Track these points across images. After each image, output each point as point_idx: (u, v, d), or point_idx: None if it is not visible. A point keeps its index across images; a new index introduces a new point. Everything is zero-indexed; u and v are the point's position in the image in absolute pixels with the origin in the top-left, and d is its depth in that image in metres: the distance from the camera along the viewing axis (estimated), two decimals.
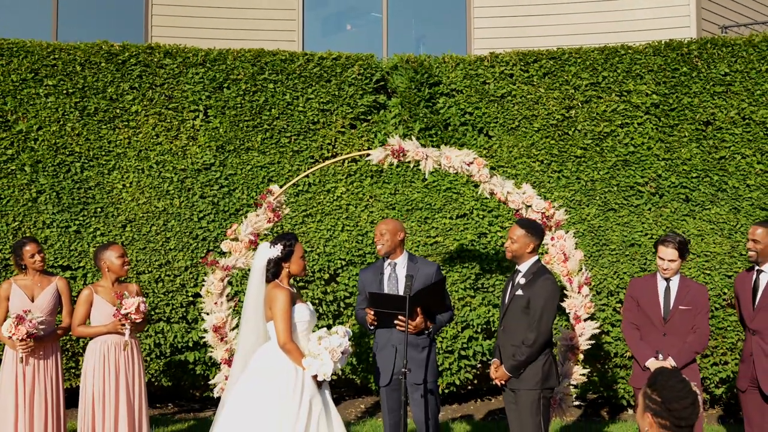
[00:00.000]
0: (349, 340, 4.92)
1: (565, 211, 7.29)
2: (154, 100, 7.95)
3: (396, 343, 5.29)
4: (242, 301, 5.49)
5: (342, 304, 7.88)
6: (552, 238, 5.93)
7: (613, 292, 7.66)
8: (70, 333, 6.04)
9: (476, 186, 6.21)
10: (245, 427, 4.70)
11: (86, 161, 7.82)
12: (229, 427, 4.78)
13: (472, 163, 6.03)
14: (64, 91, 7.84)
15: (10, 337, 5.61)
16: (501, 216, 7.84)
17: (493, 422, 7.69)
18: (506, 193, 6.02)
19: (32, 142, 7.75)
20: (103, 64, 7.91)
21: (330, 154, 8.05)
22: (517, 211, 6.04)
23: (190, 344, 7.81)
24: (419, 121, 8.05)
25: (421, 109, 8.11)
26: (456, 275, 7.72)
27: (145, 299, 5.74)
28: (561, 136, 7.94)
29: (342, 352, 4.81)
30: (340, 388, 8.26)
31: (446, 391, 7.99)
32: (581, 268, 5.91)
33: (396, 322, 5.22)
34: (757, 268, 5.43)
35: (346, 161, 7.99)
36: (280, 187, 6.54)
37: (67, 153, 7.79)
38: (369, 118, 8.21)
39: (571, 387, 5.93)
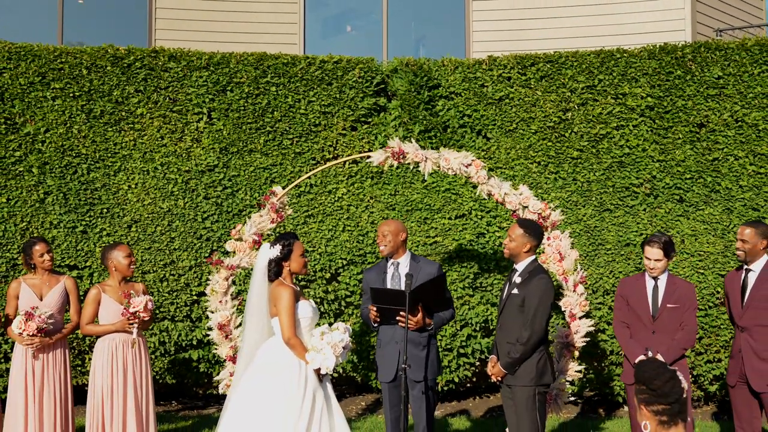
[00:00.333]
0: (350, 337, 5.07)
1: (562, 211, 7.45)
2: (159, 103, 8.09)
3: (399, 340, 5.40)
4: (246, 300, 5.65)
5: (343, 303, 8.02)
6: (548, 238, 6.07)
7: (608, 291, 7.79)
8: (79, 331, 6.18)
9: (475, 187, 6.35)
10: (252, 421, 4.84)
11: (92, 163, 7.96)
12: (237, 421, 4.93)
13: (470, 165, 6.17)
14: (71, 94, 7.99)
15: (20, 334, 5.75)
16: (499, 216, 7.97)
17: (492, 419, 7.82)
18: (504, 194, 6.17)
19: (40, 144, 7.89)
20: (108, 68, 8.05)
21: (331, 156, 8.20)
22: (515, 211, 6.18)
23: (194, 342, 7.95)
24: (419, 124, 8.19)
25: (421, 111, 8.25)
26: (455, 274, 7.86)
27: (151, 298, 5.89)
28: (558, 138, 8.08)
29: (343, 347, 4.95)
30: (341, 386, 8.39)
31: (445, 388, 8.12)
32: (576, 268, 6.05)
33: (398, 318, 5.36)
34: (745, 267, 5.57)
35: (347, 163, 8.13)
36: (283, 188, 6.68)
37: (74, 155, 7.93)
38: (369, 120, 8.35)
39: (567, 383, 6.07)
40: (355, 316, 7.99)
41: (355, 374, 8.23)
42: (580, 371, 6.06)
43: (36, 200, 7.81)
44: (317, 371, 4.93)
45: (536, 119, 8.12)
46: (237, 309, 6.38)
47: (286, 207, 6.54)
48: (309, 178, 7.81)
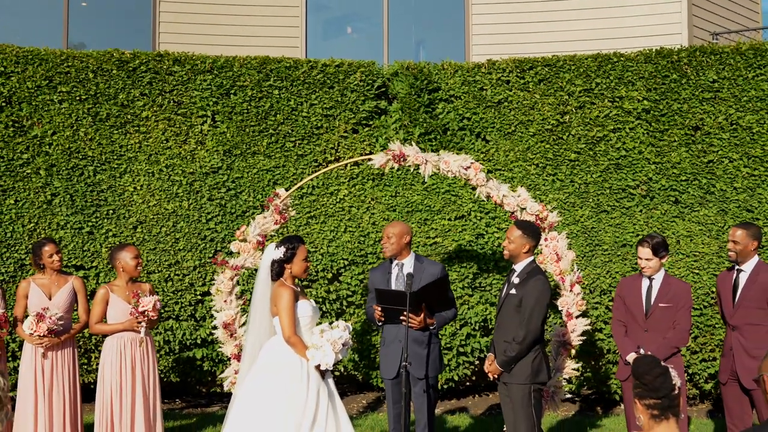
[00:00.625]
0: (351, 337, 5.21)
1: (559, 213, 7.59)
2: (164, 106, 8.23)
3: (402, 338, 5.51)
4: (250, 299, 5.80)
5: (344, 303, 8.15)
6: (545, 239, 6.20)
7: (605, 290, 7.93)
8: (86, 330, 6.32)
9: (474, 189, 6.48)
10: (257, 418, 4.98)
11: (99, 165, 8.10)
12: (242, 418, 5.07)
13: (469, 167, 6.30)
14: (77, 98, 8.13)
15: (31, 334, 5.88)
16: (498, 218, 8.10)
17: (491, 417, 7.94)
18: (502, 196, 6.30)
19: (47, 147, 8.02)
20: (114, 72, 8.19)
21: (333, 158, 8.33)
22: (513, 213, 6.31)
23: (198, 341, 8.08)
24: (419, 126, 8.33)
25: (421, 114, 8.39)
26: (454, 275, 7.99)
27: (159, 297, 6.04)
28: (555, 140, 8.22)
29: (343, 344, 5.09)
30: (342, 384, 8.52)
31: (445, 386, 8.25)
32: (573, 268, 6.19)
33: (401, 318, 5.48)
34: (737, 267, 5.70)
35: (349, 165, 8.26)
36: (286, 190, 6.82)
37: (81, 157, 8.07)
38: (370, 123, 8.48)
39: (564, 381, 6.21)
40: (356, 315, 8.12)
41: (356, 373, 8.36)
42: (576, 369, 6.20)
43: (43, 202, 7.95)
44: (317, 368, 5.06)
45: (534, 122, 8.25)
46: (241, 308, 6.51)
47: (289, 209, 6.67)
48: (311, 180, 7.94)
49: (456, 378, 8.17)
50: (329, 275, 8.11)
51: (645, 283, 5.70)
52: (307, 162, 8.30)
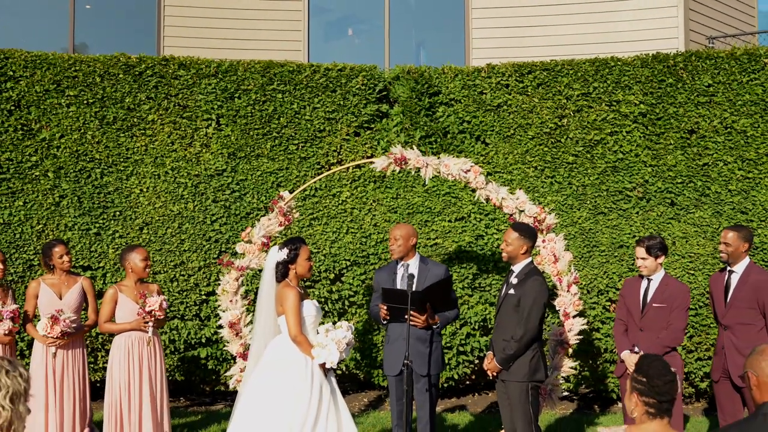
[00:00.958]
0: (353, 335, 5.37)
1: (557, 214, 7.77)
2: (169, 110, 8.38)
3: (408, 336, 5.72)
4: (254, 299, 5.96)
5: (346, 303, 8.29)
6: (543, 241, 6.36)
7: (602, 291, 8.07)
8: (96, 329, 6.47)
9: (474, 191, 6.64)
10: (263, 415, 5.13)
11: (106, 167, 8.25)
12: (249, 415, 5.22)
13: (469, 170, 6.45)
14: (85, 101, 8.27)
15: (45, 336, 6.03)
16: (497, 219, 8.24)
17: (490, 415, 8.07)
18: (501, 198, 6.45)
19: (55, 150, 8.17)
20: (121, 76, 8.34)
21: (335, 161, 8.48)
22: (511, 215, 6.46)
23: (203, 340, 8.23)
24: (420, 129, 8.47)
25: (422, 117, 8.53)
26: (455, 275, 8.12)
27: (165, 298, 6.19)
28: (554, 143, 8.36)
29: (346, 344, 5.26)
30: (344, 383, 8.65)
31: (445, 385, 8.39)
32: (570, 269, 6.34)
33: (406, 316, 5.61)
34: (729, 268, 5.86)
35: (351, 167, 8.41)
36: (290, 192, 6.98)
37: (88, 160, 8.22)
38: (372, 126, 8.63)
39: (561, 379, 6.36)
40: (358, 315, 8.26)
41: (358, 371, 8.50)
42: (573, 367, 6.35)
43: (51, 203, 8.10)
44: (322, 366, 5.21)
45: (533, 125, 8.40)
46: (246, 308, 6.66)
47: (293, 211, 6.82)
48: (314, 182, 8.08)
49: (456, 376, 8.32)
50: (332, 276, 8.26)
51: (644, 283, 5.85)
52: (310, 165, 8.45)
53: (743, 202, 7.88)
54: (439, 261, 8.06)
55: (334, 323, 5.43)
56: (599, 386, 8.30)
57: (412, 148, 6.68)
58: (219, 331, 7.80)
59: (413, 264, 6.00)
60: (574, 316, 6.27)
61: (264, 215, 7.39)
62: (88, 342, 7.98)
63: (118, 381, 5.98)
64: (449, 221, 8.34)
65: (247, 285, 7.79)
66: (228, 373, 6.78)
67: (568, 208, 8.23)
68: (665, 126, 8.14)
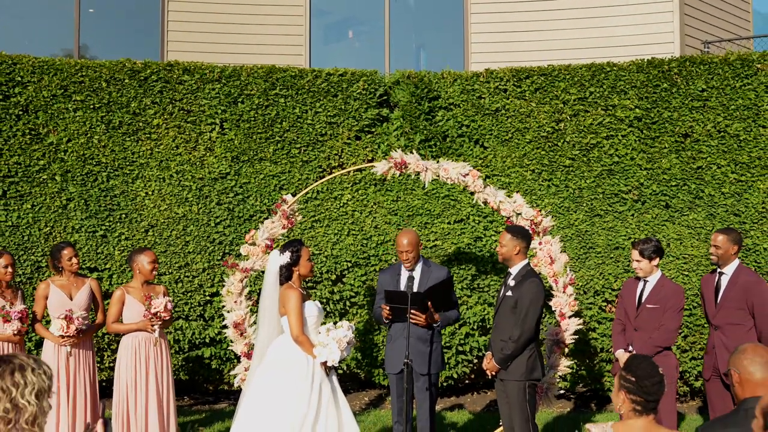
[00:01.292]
0: (353, 335, 5.54)
1: (554, 217, 7.93)
2: (174, 114, 8.54)
3: (408, 336, 5.86)
4: (257, 300, 6.12)
5: (348, 303, 8.45)
6: (540, 243, 6.52)
7: (598, 291, 8.23)
8: (104, 329, 6.63)
9: (472, 194, 6.80)
10: (266, 412, 5.30)
11: (112, 171, 8.41)
12: (252, 412, 5.38)
13: (467, 174, 6.62)
14: (91, 106, 8.43)
15: (61, 336, 6.18)
16: (495, 221, 8.40)
17: (489, 413, 8.22)
18: (498, 201, 6.62)
19: (62, 154, 8.33)
20: (126, 81, 8.50)
21: (336, 164, 8.64)
22: (509, 218, 6.62)
23: (207, 340, 8.38)
24: (419, 133, 8.63)
25: (421, 121, 8.69)
26: (454, 276, 8.25)
27: (171, 299, 6.34)
28: (551, 147, 8.52)
29: (347, 343, 5.42)
30: (345, 382, 8.79)
31: (445, 384, 8.54)
32: (566, 270, 6.50)
33: (408, 316, 5.77)
34: (719, 270, 6.03)
35: (352, 171, 8.57)
36: (293, 195, 7.14)
37: (94, 163, 8.38)
38: (373, 130, 8.79)
39: (558, 378, 6.52)
40: (359, 315, 8.42)
41: (359, 371, 8.66)
42: (570, 366, 6.52)
43: (59, 206, 8.26)
44: (324, 364, 5.37)
45: (531, 129, 8.55)
46: (250, 309, 6.82)
47: (296, 213, 6.98)
48: (317, 186, 8.24)
49: (455, 376, 8.47)
50: (333, 277, 8.41)
51: (640, 284, 6.02)
52: (311, 168, 8.61)
53: (736, 205, 8.04)
54: (438, 262, 8.22)
55: (335, 323, 5.59)
56: (596, 385, 8.45)
57: (412, 151, 6.85)
58: (222, 331, 7.97)
59: (417, 266, 6.18)
60: (569, 317, 6.43)
61: (267, 218, 7.55)
62: (94, 342, 8.13)
63: (125, 380, 6.12)
64: (448, 223, 8.49)
65: (251, 286, 7.95)
66: (232, 372, 6.94)
67: (564, 210, 8.38)
68: (660, 130, 8.29)
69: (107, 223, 8.32)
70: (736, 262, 5.97)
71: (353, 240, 8.47)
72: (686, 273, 8.05)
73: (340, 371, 8.35)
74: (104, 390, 7.44)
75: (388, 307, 5.91)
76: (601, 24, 10.91)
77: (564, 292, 6.43)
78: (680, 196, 8.18)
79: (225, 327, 6.93)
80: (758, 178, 8.00)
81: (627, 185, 8.29)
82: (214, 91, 8.57)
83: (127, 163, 8.43)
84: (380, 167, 6.76)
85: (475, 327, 8.35)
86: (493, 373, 5.76)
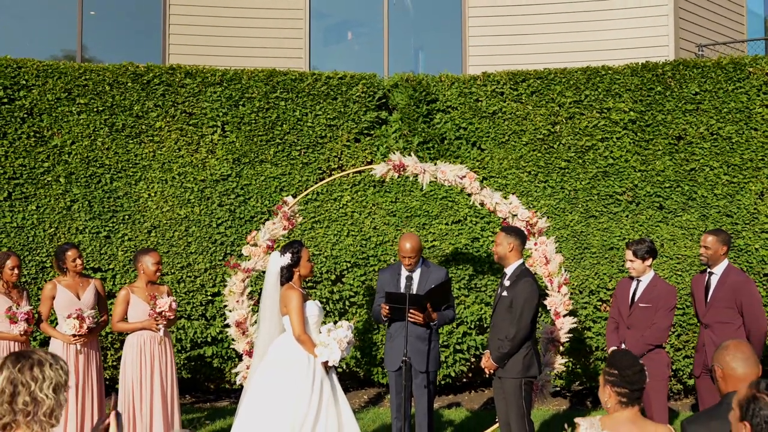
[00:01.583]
0: (353, 334, 5.69)
1: (550, 218, 8.07)
2: (176, 117, 8.67)
3: (407, 334, 5.99)
4: (257, 299, 6.26)
5: (347, 303, 8.58)
6: (535, 244, 6.67)
7: (593, 291, 8.37)
8: (109, 328, 6.75)
9: (470, 196, 6.95)
10: (267, 410, 5.43)
11: (115, 173, 8.54)
12: (254, 409, 5.52)
13: (464, 177, 6.76)
14: (95, 109, 8.57)
15: (74, 335, 6.30)
16: (492, 222, 8.53)
17: (485, 411, 8.36)
18: (495, 203, 6.76)
19: (66, 156, 8.47)
20: (129, 84, 8.63)
21: (336, 166, 8.78)
22: (505, 219, 6.77)
23: (209, 339, 8.51)
24: (418, 136, 8.77)
25: (420, 124, 8.83)
26: (451, 276, 8.41)
27: (175, 298, 6.48)
28: (547, 149, 8.66)
29: (347, 343, 5.57)
30: (345, 381, 8.90)
31: (442, 382, 8.67)
32: (561, 270, 6.65)
33: (408, 315, 5.93)
34: (708, 270, 6.18)
35: (351, 173, 8.70)
36: (293, 197, 7.28)
37: (98, 165, 8.52)
38: (372, 132, 8.92)
39: (554, 375, 6.67)
40: (358, 315, 8.55)
41: (358, 369, 8.79)
42: (564, 364, 6.66)
43: (63, 208, 8.39)
44: (324, 363, 5.52)
45: (527, 132, 8.69)
46: (252, 308, 6.96)
47: (297, 215, 7.13)
48: (318, 187, 8.37)
49: (453, 374, 8.61)
50: (332, 277, 8.55)
51: (634, 284, 6.17)
52: (312, 170, 8.74)
53: (728, 206, 8.18)
54: (436, 263, 8.36)
55: (335, 323, 5.73)
56: (591, 383, 8.58)
57: (410, 154, 6.99)
58: (224, 330, 8.12)
59: (416, 267, 6.32)
60: (564, 315, 6.58)
61: (268, 219, 7.68)
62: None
63: (131, 378, 6.25)
64: (446, 224, 8.63)
65: (252, 286, 8.09)
66: (234, 371, 7.08)
67: (560, 211, 8.52)
68: (654, 132, 8.43)
69: (111, 224, 8.45)
70: (725, 263, 6.12)
71: (352, 241, 8.60)
72: (679, 273, 8.19)
73: (340, 370, 8.48)
74: (108, 388, 7.56)
75: (387, 307, 6.06)
76: (596, 28, 11.05)
77: (559, 291, 6.57)
78: (674, 198, 8.31)
79: (227, 326, 7.07)
80: (750, 179, 8.14)
81: (621, 187, 8.42)
82: (216, 94, 8.71)
83: (130, 165, 8.56)
84: (379, 170, 6.89)
85: (472, 326, 8.48)
86: (492, 371, 5.90)
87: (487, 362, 5.89)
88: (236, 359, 8.37)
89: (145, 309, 6.35)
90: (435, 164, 6.85)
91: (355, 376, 8.98)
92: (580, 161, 8.55)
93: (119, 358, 8.09)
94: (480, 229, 8.58)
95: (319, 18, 11.94)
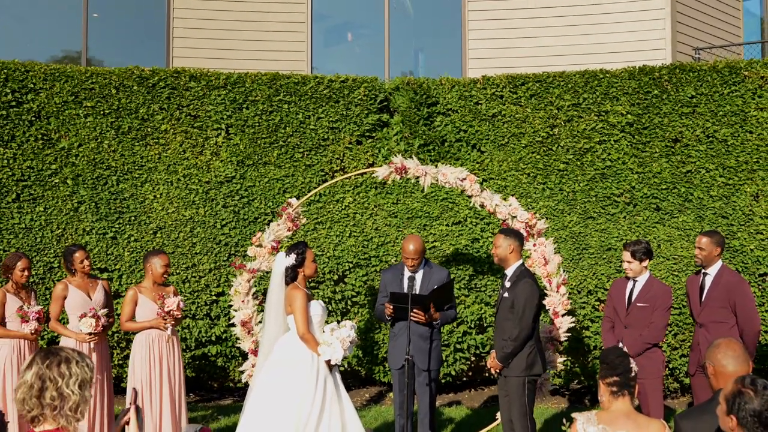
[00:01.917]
0: (355, 333, 5.83)
1: (548, 219, 8.21)
2: (181, 120, 8.81)
3: (410, 333, 6.12)
4: (262, 299, 6.40)
5: (349, 303, 8.71)
6: (534, 245, 6.81)
7: (591, 291, 8.51)
8: (115, 327, 6.89)
9: (470, 197, 7.08)
10: (272, 408, 5.57)
11: (121, 175, 8.68)
12: (260, 406, 5.65)
13: (465, 179, 6.90)
14: (101, 112, 8.71)
15: (89, 333, 6.44)
16: (492, 223, 8.67)
17: (485, 409, 8.49)
18: (495, 205, 6.90)
19: (73, 158, 8.60)
20: (135, 87, 8.77)
21: (338, 168, 8.91)
22: (504, 221, 6.91)
23: (213, 338, 8.65)
24: (419, 138, 8.91)
25: (421, 126, 8.97)
26: (452, 276, 8.54)
27: (182, 298, 6.62)
28: (546, 151, 8.80)
29: (350, 342, 5.71)
30: (347, 379, 9.02)
31: (443, 381, 8.79)
32: (559, 271, 6.79)
33: (411, 314, 6.07)
34: (703, 271, 6.33)
35: (354, 176, 8.84)
36: (297, 198, 7.42)
37: (105, 168, 8.66)
38: (373, 135, 9.06)
39: (552, 374, 6.82)
40: (360, 314, 8.69)
41: (359, 368, 8.93)
42: (563, 363, 6.81)
43: (70, 209, 8.53)
44: (328, 362, 5.66)
45: (526, 134, 8.83)
46: (257, 308, 7.10)
47: (301, 216, 7.27)
48: (321, 189, 8.50)
49: (453, 373, 8.75)
50: (335, 277, 8.68)
51: (630, 284, 6.31)
52: (314, 172, 8.88)
53: (724, 207, 8.32)
54: (437, 263, 8.49)
55: (338, 322, 5.87)
56: (589, 381, 8.71)
57: (411, 156, 7.14)
58: (228, 329, 8.26)
59: (419, 267, 6.46)
60: (563, 315, 6.72)
61: (271, 220, 7.82)
62: None
63: (140, 376, 6.37)
64: (447, 225, 8.76)
65: (256, 286, 8.22)
66: (240, 369, 7.22)
67: (559, 212, 8.66)
68: (651, 135, 8.57)
69: (117, 225, 8.58)
70: (719, 263, 6.26)
71: (354, 241, 8.73)
72: (676, 273, 8.33)
73: (342, 369, 8.61)
74: (115, 386, 7.69)
75: (391, 306, 6.21)
76: (594, 31, 11.18)
77: (557, 291, 6.71)
78: (670, 199, 8.45)
79: (231, 325, 7.20)
80: (745, 181, 8.28)
81: (619, 188, 8.56)
82: (220, 97, 8.84)
83: (136, 167, 8.70)
84: (382, 172, 7.03)
85: (472, 326, 8.61)
86: (497, 371, 6.04)
87: (492, 362, 6.03)
88: (240, 358, 8.51)
89: (153, 308, 6.47)
90: (436, 167, 6.99)
91: (356, 375, 9.11)
92: (579, 163, 8.69)
93: (124, 357, 8.28)
94: (480, 230, 8.71)
95: (320, 19, 12.06)
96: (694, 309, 6.36)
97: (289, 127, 8.90)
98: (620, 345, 6.06)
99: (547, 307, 6.77)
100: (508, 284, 5.98)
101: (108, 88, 8.72)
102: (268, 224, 7.77)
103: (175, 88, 8.83)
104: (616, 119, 8.63)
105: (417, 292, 6.25)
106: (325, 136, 8.94)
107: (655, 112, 8.57)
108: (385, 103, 9.15)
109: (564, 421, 4.71)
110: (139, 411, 2.99)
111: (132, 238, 8.58)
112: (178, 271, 8.59)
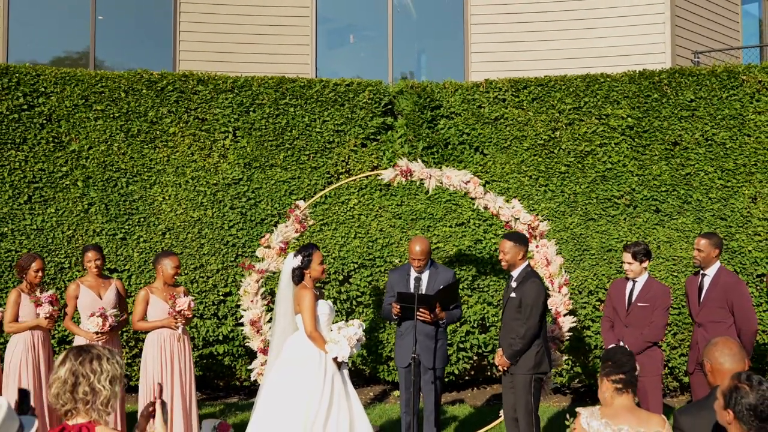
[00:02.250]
0: (363, 332, 5.97)
1: (550, 220, 8.35)
2: (189, 123, 8.95)
3: (416, 332, 6.27)
4: (273, 300, 6.54)
5: (354, 303, 8.84)
6: (536, 246, 6.96)
7: (593, 291, 8.65)
8: (130, 326, 7.04)
9: (474, 200, 7.24)
10: (283, 405, 5.71)
11: (131, 177, 8.82)
12: (270, 405, 5.80)
13: (469, 182, 7.06)
14: (111, 115, 8.85)
15: (97, 333, 6.59)
16: (495, 225, 8.80)
17: (488, 407, 8.61)
18: (498, 207, 7.05)
19: (84, 161, 8.75)
20: (144, 91, 8.92)
21: (344, 170, 9.06)
22: (507, 222, 7.06)
23: (220, 338, 8.79)
24: (422, 141, 9.05)
25: (424, 129, 9.11)
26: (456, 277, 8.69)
27: (193, 298, 6.76)
28: (547, 154, 8.94)
29: (357, 340, 5.85)
30: (351, 378, 9.09)
31: (446, 379, 8.91)
32: (561, 272, 6.94)
33: (417, 314, 6.23)
34: (702, 272, 6.48)
35: (359, 178, 8.98)
36: (303, 200, 7.56)
37: (114, 170, 8.80)
38: (378, 137, 9.20)
39: (554, 372, 6.96)
40: (365, 314, 8.83)
41: (364, 367, 9.06)
42: (564, 361, 6.96)
43: (81, 210, 8.68)
44: (335, 360, 5.80)
45: (528, 137, 8.97)
46: (266, 307, 7.25)
47: (308, 218, 7.42)
48: (328, 191, 8.64)
49: (456, 372, 8.89)
50: (340, 277, 8.82)
51: (629, 284, 6.46)
52: (320, 174, 9.03)
53: (722, 209, 8.46)
54: (440, 264, 8.63)
55: (346, 321, 6.01)
56: (590, 380, 8.83)
57: (415, 159, 7.29)
58: (235, 329, 8.40)
59: (425, 268, 6.61)
60: (564, 315, 6.87)
61: (278, 221, 7.97)
62: None
63: (152, 374, 6.52)
64: (450, 226, 8.90)
65: (265, 287, 8.37)
66: (249, 367, 7.37)
67: (560, 214, 8.80)
68: (651, 138, 8.71)
69: (126, 227, 8.73)
70: (717, 264, 6.42)
71: (359, 242, 8.87)
72: (675, 274, 8.48)
73: (347, 367, 8.73)
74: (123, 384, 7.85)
75: (398, 306, 6.36)
76: (595, 35, 11.32)
77: (559, 292, 6.87)
78: (670, 201, 8.59)
79: (238, 325, 7.34)
80: (743, 184, 8.43)
81: (619, 191, 8.70)
82: (227, 100, 8.99)
83: (145, 170, 8.84)
84: (387, 175, 7.18)
85: (475, 325, 8.75)
86: (505, 368, 6.18)
87: (500, 360, 6.14)
88: (246, 357, 8.66)
89: (164, 308, 6.61)
90: (440, 169, 7.13)
91: (361, 374, 9.24)
92: (580, 166, 8.83)
93: (134, 356, 8.43)
94: (483, 232, 8.85)
95: (323, 22, 12.17)
96: (693, 309, 6.51)
97: (295, 130, 9.04)
98: (621, 344, 6.21)
99: (549, 308, 6.92)
100: (514, 284, 6.11)
101: (117, 92, 8.87)
102: (275, 225, 7.90)
103: (183, 91, 8.97)
104: (616, 122, 8.76)
105: (423, 292, 6.39)
106: (331, 139, 9.08)
107: (654, 115, 8.71)
108: (390, 107, 9.29)
109: (567, 416, 4.86)
110: (164, 405, 3.14)
111: (141, 239, 8.73)
112: (186, 272, 8.73)
